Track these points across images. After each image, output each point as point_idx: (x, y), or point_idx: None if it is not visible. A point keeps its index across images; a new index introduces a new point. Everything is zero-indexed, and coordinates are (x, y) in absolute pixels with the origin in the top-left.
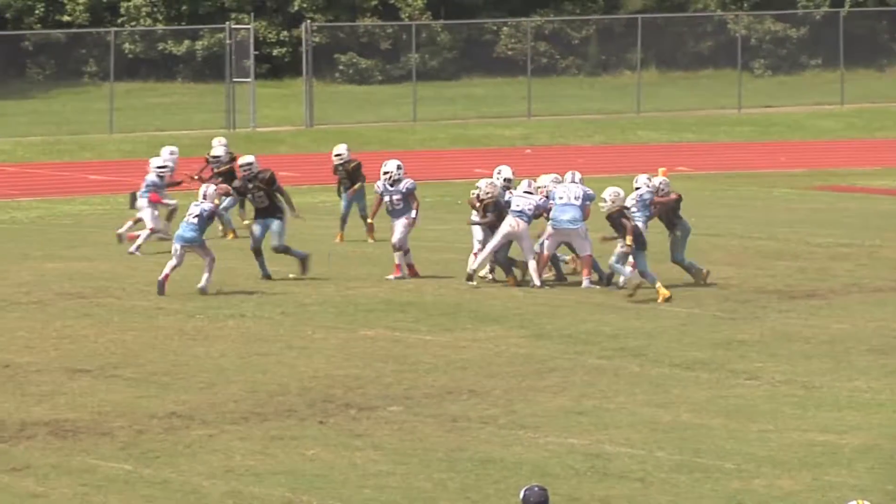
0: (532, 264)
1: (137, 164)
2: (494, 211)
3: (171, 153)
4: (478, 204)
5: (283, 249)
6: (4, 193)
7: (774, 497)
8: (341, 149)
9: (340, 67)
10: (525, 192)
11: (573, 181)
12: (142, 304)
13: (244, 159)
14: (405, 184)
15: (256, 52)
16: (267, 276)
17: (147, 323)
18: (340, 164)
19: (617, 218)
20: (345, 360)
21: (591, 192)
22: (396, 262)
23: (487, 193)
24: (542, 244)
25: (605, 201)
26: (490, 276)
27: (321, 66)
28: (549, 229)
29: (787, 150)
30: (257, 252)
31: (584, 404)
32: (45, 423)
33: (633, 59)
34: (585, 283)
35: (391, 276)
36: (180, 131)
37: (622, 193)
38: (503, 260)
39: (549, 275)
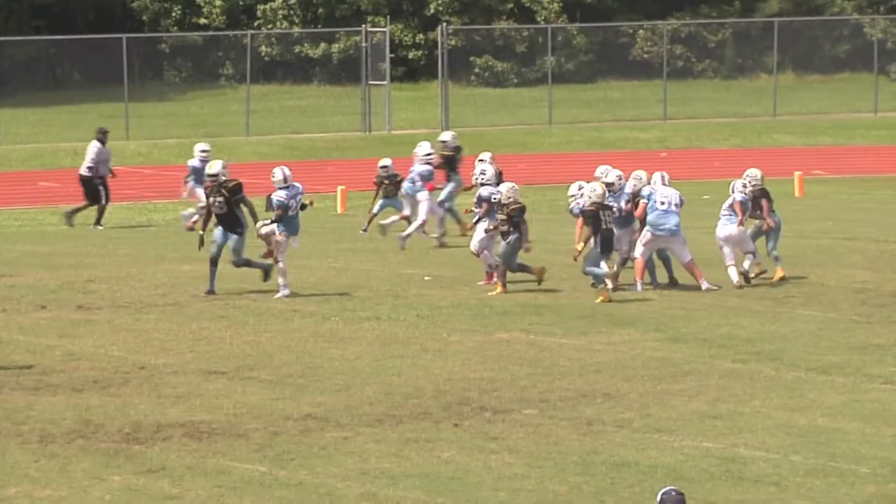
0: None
1: (272, 165)
2: (520, 216)
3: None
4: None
5: (244, 263)
6: (141, 196)
7: None
8: (387, 161)
9: (476, 70)
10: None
11: (665, 183)
12: (277, 306)
13: (209, 168)
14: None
15: (392, 55)
16: (210, 292)
17: (282, 325)
18: (385, 176)
19: (591, 215)
20: (480, 363)
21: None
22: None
23: (509, 198)
24: (637, 249)
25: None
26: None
27: (457, 68)
28: (647, 235)
29: None
30: (213, 262)
31: (719, 408)
32: (180, 424)
33: (770, 63)
34: (704, 284)
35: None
36: (316, 134)
37: (599, 191)
38: (515, 266)
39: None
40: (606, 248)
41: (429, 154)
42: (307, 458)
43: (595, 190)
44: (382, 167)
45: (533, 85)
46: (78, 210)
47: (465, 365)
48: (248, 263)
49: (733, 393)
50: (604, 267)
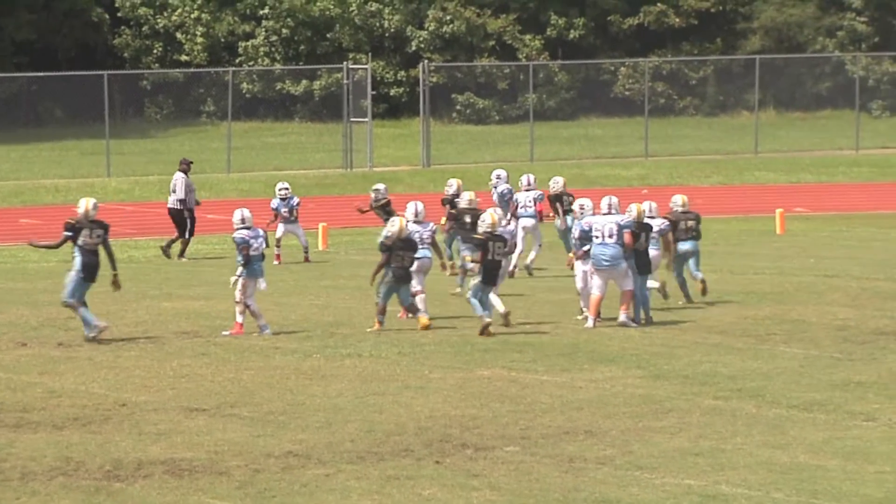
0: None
1: (255, 203)
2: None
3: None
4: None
5: (69, 305)
6: (122, 233)
7: None
8: (380, 186)
9: (458, 107)
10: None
11: (610, 211)
12: (258, 343)
13: (80, 205)
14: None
15: (374, 92)
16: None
17: (264, 362)
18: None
19: (479, 244)
20: (461, 400)
21: (627, 219)
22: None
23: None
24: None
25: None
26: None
27: (438, 105)
28: (592, 268)
29: None
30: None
31: (701, 445)
32: (161, 462)
33: (751, 100)
34: (622, 317)
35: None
36: (297, 171)
37: (488, 220)
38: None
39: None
40: (489, 278)
41: (530, 186)
42: (288, 495)
43: (485, 220)
44: (374, 190)
45: (514, 122)
46: (172, 242)
47: (447, 402)
48: (74, 308)
49: (715, 430)
50: (496, 302)
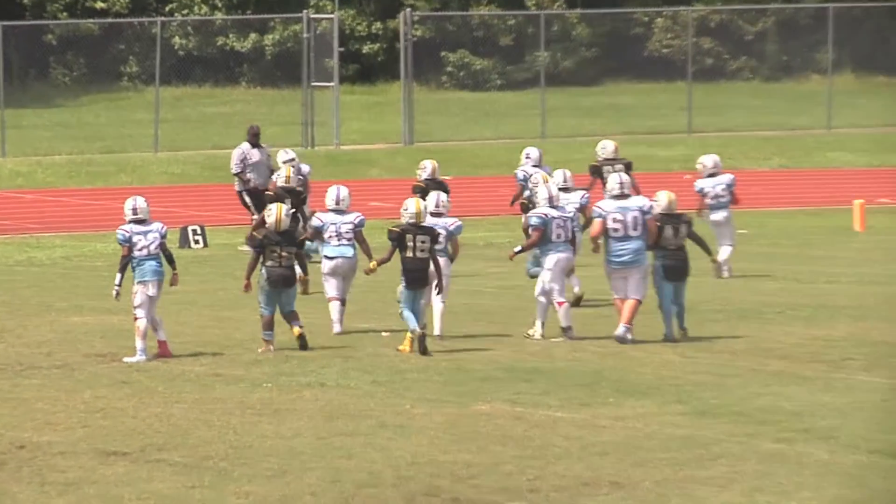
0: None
1: (189, 190)
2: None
3: None
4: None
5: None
6: (21, 227)
7: None
8: (427, 163)
9: (448, 69)
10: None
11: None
12: (194, 368)
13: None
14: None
15: (342, 49)
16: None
17: (200, 393)
18: None
19: (394, 237)
20: (452, 443)
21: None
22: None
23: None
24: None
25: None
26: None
27: (424, 66)
28: (606, 266)
29: None
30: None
31: (757, 500)
32: None
33: (823, 61)
34: (620, 329)
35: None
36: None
37: (412, 209)
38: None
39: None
40: (412, 281)
41: (716, 166)
42: None
43: (407, 208)
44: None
45: (521, 88)
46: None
47: (434, 445)
48: None
49: (776, 481)
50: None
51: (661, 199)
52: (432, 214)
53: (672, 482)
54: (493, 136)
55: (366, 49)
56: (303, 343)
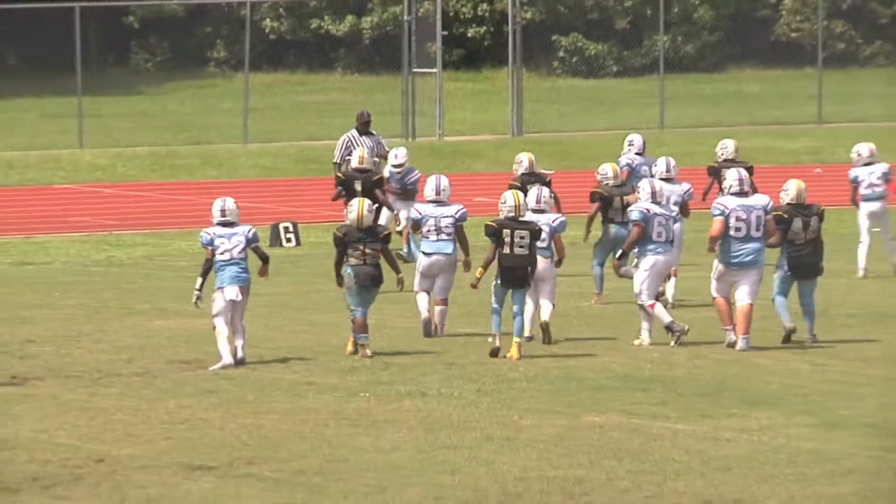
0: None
1: (280, 184)
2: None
3: None
4: None
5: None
6: (100, 224)
7: None
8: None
9: (560, 54)
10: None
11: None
12: (286, 376)
13: None
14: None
15: (445, 33)
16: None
17: (293, 403)
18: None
19: (491, 233)
20: (563, 457)
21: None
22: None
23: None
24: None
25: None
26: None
27: (534, 52)
28: (719, 266)
29: None
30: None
31: None
32: None
33: None
34: (738, 340)
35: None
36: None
37: (510, 202)
38: None
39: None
40: (507, 279)
41: (872, 155)
42: None
43: (506, 201)
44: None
45: (638, 74)
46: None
47: (544, 459)
48: None
49: None
50: (526, 317)
51: (790, 188)
52: (533, 211)
53: (800, 500)
54: (608, 127)
55: (471, 32)
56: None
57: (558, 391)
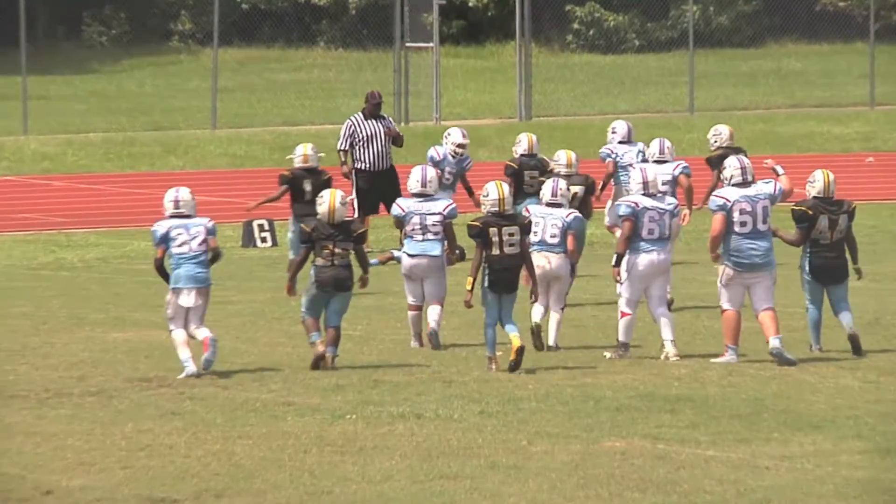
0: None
1: (254, 175)
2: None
3: None
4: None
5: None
6: (49, 221)
7: None
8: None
9: (575, 26)
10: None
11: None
12: (261, 396)
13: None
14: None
15: (443, 2)
16: None
17: (268, 426)
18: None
19: (476, 233)
20: (579, 487)
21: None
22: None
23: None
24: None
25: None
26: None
27: (544, 24)
28: (726, 270)
29: None
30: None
31: None
32: None
33: None
34: (774, 343)
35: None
36: (323, 125)
37: (493, 195)
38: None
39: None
40: (499, 284)
41: None
42: None
43: (489, 194)
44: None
45: (664, 50)
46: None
47: (557, 490)
48: None
49: None
50: (510, 329)
51: (817, 180)
52: (548, 205)
53: None
54: (630, 109)
55: (472, 1)
56: (315, 363)
57: (573, 412)
